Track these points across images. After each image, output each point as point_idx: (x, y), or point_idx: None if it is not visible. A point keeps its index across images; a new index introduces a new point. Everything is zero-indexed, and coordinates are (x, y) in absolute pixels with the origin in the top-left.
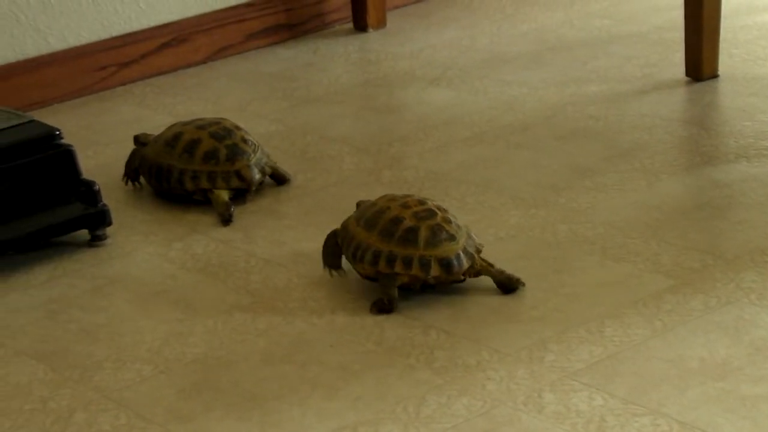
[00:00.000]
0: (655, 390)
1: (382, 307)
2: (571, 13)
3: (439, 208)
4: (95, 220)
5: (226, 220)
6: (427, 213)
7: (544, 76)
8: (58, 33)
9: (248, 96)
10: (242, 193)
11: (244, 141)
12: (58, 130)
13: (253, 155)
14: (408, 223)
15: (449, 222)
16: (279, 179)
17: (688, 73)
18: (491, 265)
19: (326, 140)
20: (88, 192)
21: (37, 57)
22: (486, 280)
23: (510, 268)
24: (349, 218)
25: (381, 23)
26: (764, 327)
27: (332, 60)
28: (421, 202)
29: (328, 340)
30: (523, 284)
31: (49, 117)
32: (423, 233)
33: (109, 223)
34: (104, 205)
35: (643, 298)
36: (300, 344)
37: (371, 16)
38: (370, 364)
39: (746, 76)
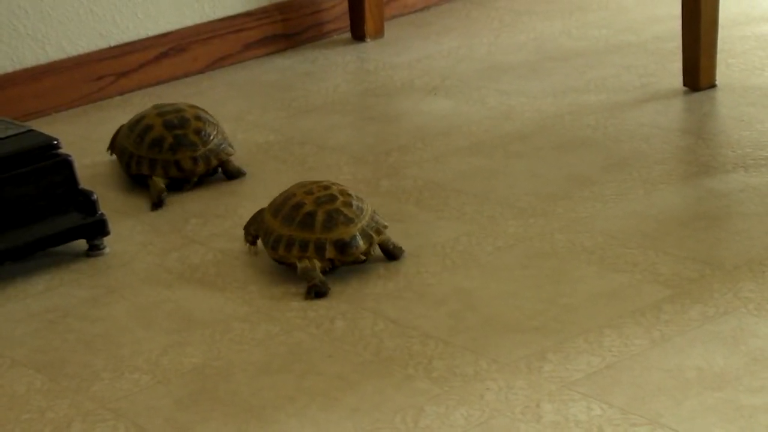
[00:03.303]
0: (653, 400)
1: (318, 290)
2: (569, 23)
3: (342, 193)
4: (93, 230)
5: (155, 204)
6: (327, 198)
7: (543, 85)
8: (56, 42)
9: (246, 105)
10: (182, 182)
11: (197, 132)
12: (56, 140)
13: (201, 147)
14: (307, 208)
15: (349, 206)
16: (230, 174)
17: (685, 82)
18: (387, 238)
19: (324, 150)
20: (86, 201)
21: (35, 66)
22: (488, 290)
23: (508, 278)
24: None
25: (379, 33)
26: (762, 337)
27: (330, 70)
28: (326, 188)
29: (326, 350)
30: (404, 252)
31: (47, 127)
32: (320, 217)
33: (107, 233)
34: (102, 214)
35: (641, 308)
36: (298, 354)
37: (369, 26)
38: (368, 374)
39: (744, 86)
